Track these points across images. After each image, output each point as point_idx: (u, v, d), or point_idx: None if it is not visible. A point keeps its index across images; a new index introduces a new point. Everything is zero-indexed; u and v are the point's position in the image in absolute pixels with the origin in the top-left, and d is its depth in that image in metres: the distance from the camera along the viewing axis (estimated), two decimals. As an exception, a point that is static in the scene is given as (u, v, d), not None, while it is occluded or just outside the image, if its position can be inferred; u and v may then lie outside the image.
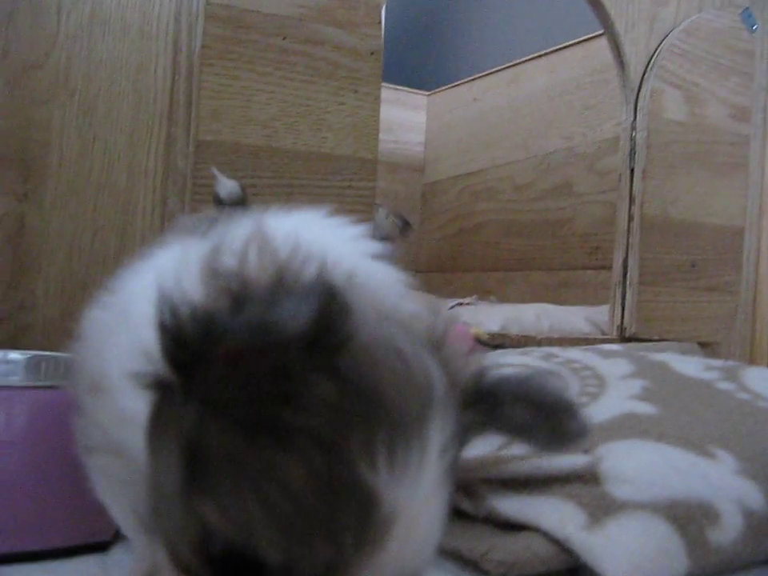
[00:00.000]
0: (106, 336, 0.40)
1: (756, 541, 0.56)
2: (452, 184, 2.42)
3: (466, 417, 0.37)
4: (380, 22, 1.06)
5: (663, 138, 1.38)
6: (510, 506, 0.56)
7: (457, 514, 0.59)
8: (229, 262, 0.34)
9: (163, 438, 0.34)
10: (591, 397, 0.69)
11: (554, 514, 0.54)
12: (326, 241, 0.41)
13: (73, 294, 0.90)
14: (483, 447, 0.65)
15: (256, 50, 0.99)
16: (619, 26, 1.34)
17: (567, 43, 1.99)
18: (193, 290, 0.32)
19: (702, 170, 1.43)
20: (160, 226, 0.94)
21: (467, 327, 0.92)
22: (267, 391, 0.31)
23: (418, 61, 2.74)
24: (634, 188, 1.36)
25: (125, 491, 0.36)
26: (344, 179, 1.04)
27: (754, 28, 1.47)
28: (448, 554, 0.56)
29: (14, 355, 0.61)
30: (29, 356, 0.60)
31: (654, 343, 1.22)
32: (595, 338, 1.36)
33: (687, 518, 0.54)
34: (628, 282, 1.36)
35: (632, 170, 1.37)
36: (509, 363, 0.79)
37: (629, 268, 1.36)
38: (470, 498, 0.59)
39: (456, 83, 2.47)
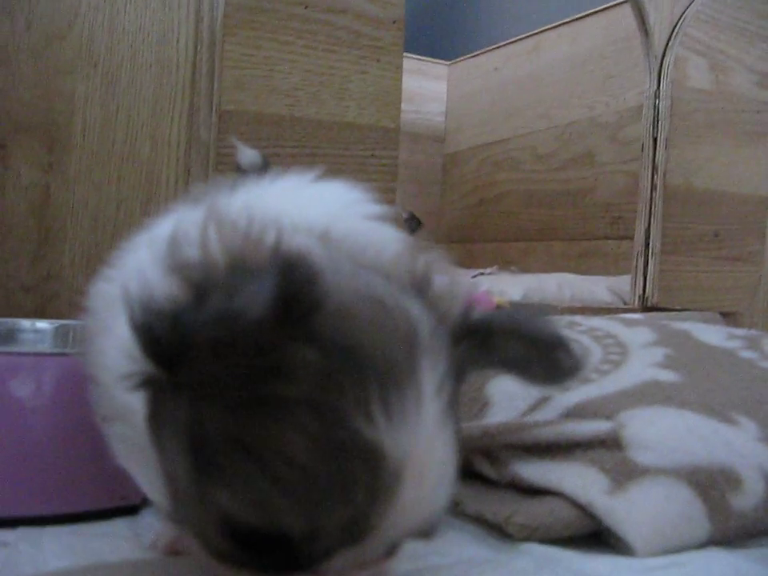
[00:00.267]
0: (110, 309, 0.40)
1: (778, 507, 0.56)
2: (473, 154, 2.40)
3: (458, 352, 0.37)
4: (401, -9, 1.05)
5: (687, 107, 1.37)
6: (533, 471, 0.56)
7: (480, 480, 0.60)
8: (188, 248, 0.34)
9: (165, 434, 0.35)
10: (614, 364, 0.69)
11: (577, 479, 0.54)
12: (298, 204, 0.42)
13: (98, 263, 0.90)
14: (506, 413, 0.65)
15: (278, 18, 0.99)
16: (643, -8, 1.33)
17: (590, 11, 1.97)
18: (159, 284, 0.32)
19: (725, 138, 1.42)
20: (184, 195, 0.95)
21: (490, 296, 0.92)
22: (250, 370, 0.31)
23: (439, 30, 2.71)
24: (657, 157, 1.36)
25: (144, 456, 0.37)
26: (366, 148, 1.04)
27: (781, -7, 1.45)
28: (472, 518, 0.56)
29: (42, 324, 0.62)
30: (56, 325, 0.62)
31: (675, 313, 1.21)
32: (617, 308, 1.36)
33: (709, 483, 0.54)
34: (650, 252, 1.35)
35: (655, 139, 1.36)
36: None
37: (651, 238, 1.36)
38: (493, 463, 0.59)
39: (477, 53, 2.44)
